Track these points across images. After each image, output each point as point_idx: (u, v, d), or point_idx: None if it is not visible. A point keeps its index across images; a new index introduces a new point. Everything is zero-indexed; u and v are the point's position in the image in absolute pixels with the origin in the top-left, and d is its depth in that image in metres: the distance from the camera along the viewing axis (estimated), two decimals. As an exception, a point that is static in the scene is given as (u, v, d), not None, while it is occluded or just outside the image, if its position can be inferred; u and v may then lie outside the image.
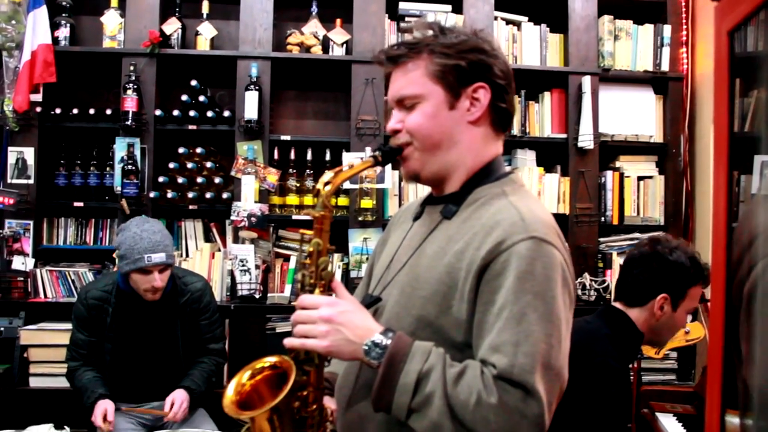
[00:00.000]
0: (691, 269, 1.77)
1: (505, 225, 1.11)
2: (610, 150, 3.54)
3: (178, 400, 2.41)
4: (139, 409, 2.51)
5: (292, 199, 3.33)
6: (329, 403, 1.27)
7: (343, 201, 3.32)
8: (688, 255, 1.79)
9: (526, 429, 1.01)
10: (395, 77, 1.24)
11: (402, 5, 3.41)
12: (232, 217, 3.23)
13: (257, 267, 3.23)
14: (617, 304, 1.84)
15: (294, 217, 3.31)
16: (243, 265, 3.21)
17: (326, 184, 1.20)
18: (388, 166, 3.22)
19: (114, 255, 2.52)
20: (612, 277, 3.31)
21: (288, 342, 1.14)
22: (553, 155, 3.51)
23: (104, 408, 2.36)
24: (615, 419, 1.67)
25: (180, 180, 3.29)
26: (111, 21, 3.30)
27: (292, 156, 3.36)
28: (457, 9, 3.43)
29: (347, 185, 3.24)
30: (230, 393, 1.22)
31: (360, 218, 3.26)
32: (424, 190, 1.36)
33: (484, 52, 1.20)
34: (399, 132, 1.23)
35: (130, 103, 3.18)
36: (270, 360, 1.25)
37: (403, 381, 1.04)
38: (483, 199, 1.20)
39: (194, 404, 2.51)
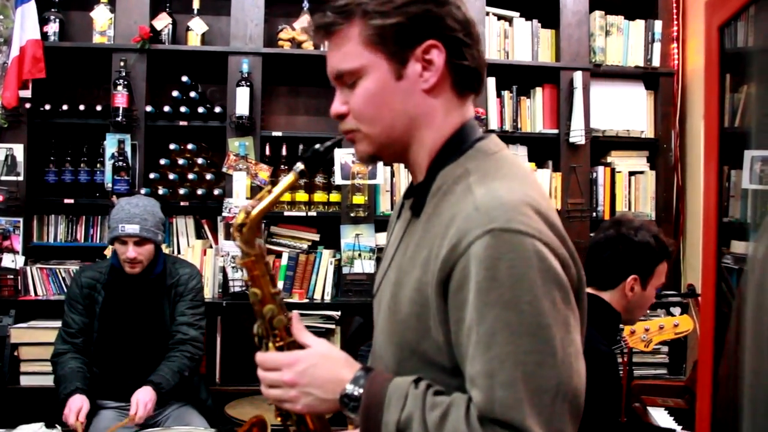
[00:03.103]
0: (656, 247, 1.80)
1: (459, 220, 0.91)
2: (602, 145, 3.55)
3: (142, 401, 2.31)
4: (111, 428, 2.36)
5: (284, 196, 3.31)
6: None
7: (335, 197, 3.32)
8: (651, 233, 1.81)
9: None
10: (329, 50, 1.03)
11: None
12: (224, 214, 3.22)
13: (249, 263, 3.21)
14: (589, 290, 1.86)
15: (286, 213, 3.30)
16: (235, 262, 3.20)
17: (240, 227, 1.01)
18: (380, 163, 3.22)
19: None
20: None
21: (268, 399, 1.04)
22: (544, 150, 3.51)
23: (80, 404, 2.31)
24: (609, 405, 1.67)
25: (171, 176, 3.27)
26: (101, 16, 3.27)
27: (284, 152, 3.35)
28: (449, 4, 3.42)
29: (339, 181, 3.24)
30: None
31: (352, 214, 3.25)
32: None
33: (431, 1, 0.97)
34: (346, 115, 1.03)
35: (120, 99, 3.15)
36: (247, 425, 1.20)
37: None
38: (445, 186, 0.99)
39: (161, 400, 2.42)
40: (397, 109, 1.00)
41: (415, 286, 0.96)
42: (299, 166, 1.03)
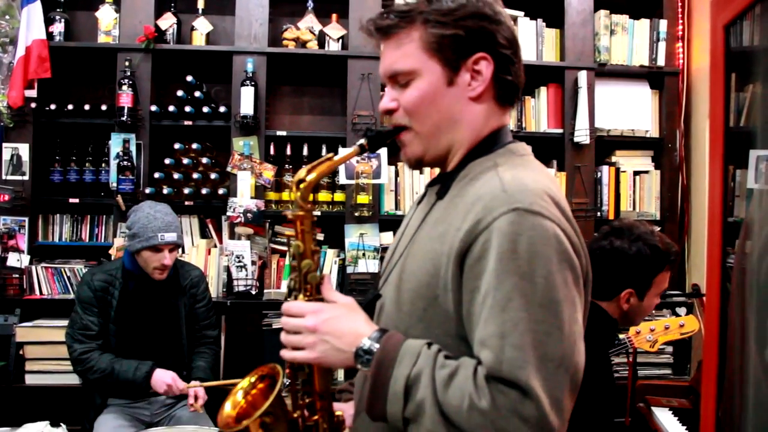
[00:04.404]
0: (654, 259, 1.74)
1: (486, 199, 0.99)
2: (606, 145, 3.54)
3: (201, 393, 2.50)
4: (182, 386, 2.49)
5: (287, 195, 3.33)
6: (351, 409, 1.21)
7: (339, 197, 3.32)
8: (649, 243, 1.74)
9: None
10: (386, 50, 1.12)
11: (398, 0, 3.40)
12: (228, 213, 3.23)
13: (253, 263, 3.22)
14: None
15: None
16: (239, 261, 3.20)
17: (300, 182, 1.10)
18: (384, 162, 3.22)
19: (121, 234, 2.66)
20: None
21: (282, 353, 1.09)
22: (549, 150, 3.51)
23: (168, 374, 2.45)
24: (600, 409, 1.66)
25: (176, 176, 3.28)
26: (106, 16, 3.28)
27: (288, 151, 3.35)
28: (453, 4, 3.42)
29: (343, 180, 3.24)
30: (228, 410, 1.18)
31: (356, 214, 3.25)
32: (422, 184, 1.31)
33: (486, 18, 1.07)
34: (394, 111, 1.12)
35: (125, 98, 3.16)
36: (258, 372, 1.22)
37: (393, 389, 0.95)
38: (472, 174, 1.08)
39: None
40: (444, 111, 1.10)
41: (430, 257, 1.04)
42: (361, 141, 1.12)
